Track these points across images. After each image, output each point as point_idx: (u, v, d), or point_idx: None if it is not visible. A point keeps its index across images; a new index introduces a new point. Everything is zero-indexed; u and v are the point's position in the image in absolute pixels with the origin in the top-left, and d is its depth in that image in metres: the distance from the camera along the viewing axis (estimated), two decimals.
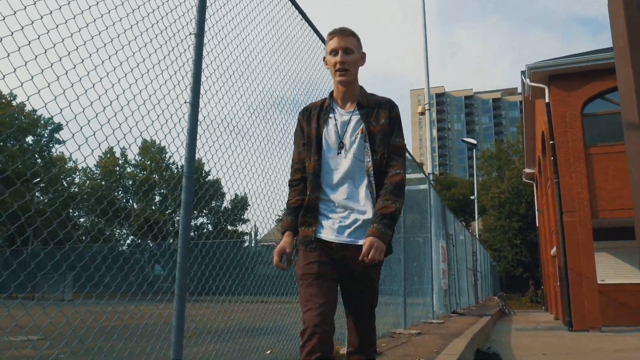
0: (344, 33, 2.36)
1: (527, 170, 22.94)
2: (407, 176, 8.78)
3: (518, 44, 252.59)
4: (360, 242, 2.18)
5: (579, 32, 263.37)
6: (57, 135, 41.76)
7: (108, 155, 48.23)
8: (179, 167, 45.67)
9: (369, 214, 2.22)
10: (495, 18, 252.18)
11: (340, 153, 2.29)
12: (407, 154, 7.77)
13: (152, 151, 49.11)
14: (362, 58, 2.43)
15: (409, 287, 8.07)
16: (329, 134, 2.33)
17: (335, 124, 2.34)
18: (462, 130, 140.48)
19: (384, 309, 7.05)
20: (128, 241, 49.06)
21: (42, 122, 39.97)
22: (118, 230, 48.55)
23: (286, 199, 2.47)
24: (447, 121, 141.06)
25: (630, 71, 2.67)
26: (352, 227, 2.22)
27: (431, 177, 13.05)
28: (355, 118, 2.33)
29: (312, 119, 2.40)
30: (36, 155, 40.09)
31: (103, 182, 47.93)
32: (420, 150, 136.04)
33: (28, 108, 37.96)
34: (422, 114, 13.74)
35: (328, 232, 2.24)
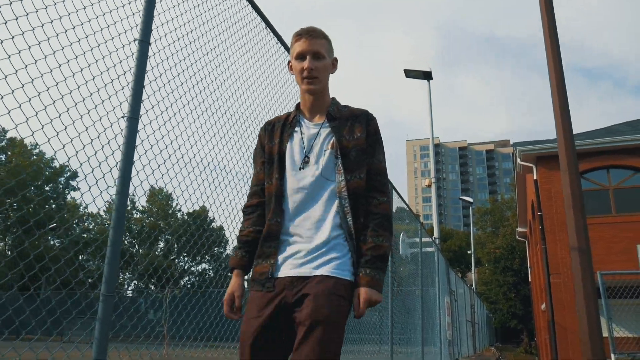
0: (312, 34, 2.02)
1: (520, 229, 25.04)
2: (416, 239, 10.86)
3: (514, 92, 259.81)
4: (318, 272, 1.80)
5: (576, 81, 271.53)
6: (72, 182, 43.84)
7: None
8: (184, 214, 47.56)
9: (337, 242, 1.87)
10: (492, 66, 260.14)
11: (302, 168, 1.94)
12: (405, 205, 9.52)
13: (159, 198, 50.84)
14: (333, 64, 2.11)
15: (425, 334, 9.98)
16: (294, 149, 2.00)
17: (302, 138, 2.01)
18: (457, 181, 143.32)
19: (404, 359, 8.86)
20: (131, 286, 50.28)
21: (56, 166, 41.97)
22: (121, 275, 49.79)
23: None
24: (442, 171, 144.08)
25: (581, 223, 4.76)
26: (311, 256, 1.85)
27: (437, 241, 15.06)
28: (325, 131, 2.00)
29: (274, 134, 2.07)
30: (52, 202, 41.92)
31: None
32: (416, 200, 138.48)
33: (46, 155, 40.15)
34: (429, 186, 15.85)
35: (286, 266, 1.86)
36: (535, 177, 14.64)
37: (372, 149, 2.01)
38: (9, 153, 37.65)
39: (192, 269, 52.86)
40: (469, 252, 40.54)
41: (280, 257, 1.90)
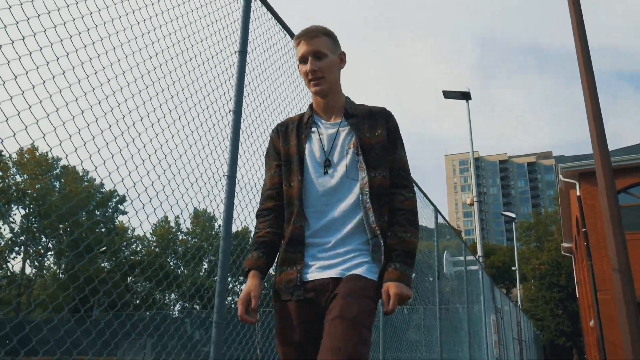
0: (310, 34, 1.96)
1: (565, 244, 24.72)
2: (460, 258, 11.11)
3: (557, 102, 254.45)
4: (349, 273, 1.78)
5: (622, 88, 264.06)
6: (120, 207, 45.59)
7: (163, 223, 51.40)
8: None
9: (360, 244, 1.84)
10: (532, 76, 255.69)
11: (327, 173, 1.89)
12: (442, 218, 9.70)
13: (202, 220, 52.05)
14: (341, 60, 2.03)
15: (472, 353, 10.20)
16: (314, 151, 1.94)
17: (320, 138, 1.95)
18: (498, 195, 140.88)
19: None
20: (177, 307, 51.43)
21: (105, 191, 43.72)
22: (166, 295, 50.98)
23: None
24: (482, 186, 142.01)
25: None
26: (339, 260, 1.81)
27: (481, 259, 15.21)
28: (345, 130, 1.95)
29: (289, 136, 2.01)
30: (101, 225, 43.66)
31: (157, 249, 50.99)
32: (456, 215, 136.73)
33: (96, 181, 41.98)
34: (471, 205, 16.04)
35: (314, 269, 1.82)
36: (578, 194, 14.67)
37: (393, 145, 1.97)
38: (63, 180, 39.54)
39: (235, 288, 53.80)
40: (513, 268, 39.93)
41: (308, 262, 1.84)
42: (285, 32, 3.66)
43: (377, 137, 1.94)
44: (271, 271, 2.02)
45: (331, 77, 1.97)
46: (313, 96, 2.04)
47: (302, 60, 1.97)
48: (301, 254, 1.86)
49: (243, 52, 3.07)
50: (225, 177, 2.93)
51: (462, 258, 11.59)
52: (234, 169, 2.93)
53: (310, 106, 2.07)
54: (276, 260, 1.94)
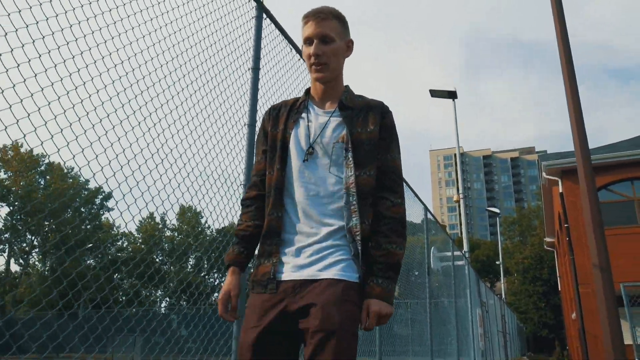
0: (320, 15, 1.83)
1: (548, 239, 25.30)
2: (447, 253, 11.49)
3: (541, 97, 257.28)
4: (324, 274, 1.66)
5: (608, 83, 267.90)
6: (106, 203, 45.40)
7: (149, 220, 51.25)
8: (213, 231, 48.61)
9: (339, 241, 1.72)
10: (517, 71, 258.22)
11: (306, 160, 1.79)
12: (430, 215, 10.05)
13: (188, 216, 51.97)
14: (347, 47, 1.92)
15: (460, 345, 10.55)
16: (299, 137, 1.83)
17: (308, 125, 1.84)
18: (482, 190, 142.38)
19: None
20: (164, 303, 51.42)
21: (91, 189, 43.53)
22: (152, 291, 50.93)
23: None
24: (467, 181, 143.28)
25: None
26: (315, 258, 1.70)
27: (467, 255, 15.60)
28: (336, 120, 1.83)
29: (279, 120, 1.91)
30: (87, 222, 43.47)
31: (143, 246, 50.84)
32: (441, 210, 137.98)
33: (81, 179, 41.72)
34: (457, 202, 16.43)
35: (289, 268, 1.72)
36: (561, 190, 15.11)
37: (386, 144, 1.83)
38: (48, 177, 39.29)
39: (222, 284, 53.76)
40: (497, 262, 40.67)
41: (283, 257, 1.75)
42: (295, 50, 3.85)
43: (369, 133, 1.81)
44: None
45: (335, 64, 1.85)
46: (312, 81, 1.92)
47: (308, 41, 1.84)
48: (276, 247, 1.76)
49: (256, 69, 3.29)
50: (242, 185, 3.14)
51: (448, 253, 11.93)
52: (249, 177, 3.05)
53: (307, 91, 1.96)
54: (256, 250, 1.86)
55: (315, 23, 1.82)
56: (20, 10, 2.04)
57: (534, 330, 40.46)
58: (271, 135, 1.90)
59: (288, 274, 1.71)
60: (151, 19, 2.72)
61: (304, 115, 1.88)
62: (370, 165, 1.78)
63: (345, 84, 1.95)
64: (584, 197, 5.80)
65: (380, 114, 1.86)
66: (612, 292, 5.05)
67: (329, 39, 1.82)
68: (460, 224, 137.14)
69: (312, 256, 1.71)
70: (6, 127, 1.99)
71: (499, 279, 46.93)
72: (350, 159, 1.76)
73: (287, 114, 1.91)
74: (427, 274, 7.79)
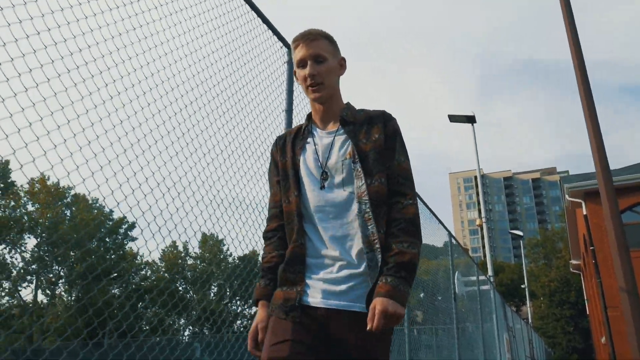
0: (310, 37, 1.87)
1: (574, 261, 24.96)
2: (471, 277, 11.49)
3: (559, 117, 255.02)
4: (357, 307, 1.65)
5: (625, 101, 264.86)
6: (130, 233, 46.06)
7: (171, 249, 51.70)
8: (235, 258, 48.84)
9: (364, 266, 1.70)
10: (534, 91, 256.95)
11: (324, 187, 1.79)
12: (453, 239, 10.06)
13: (209, 244, 52.32)
14: (340, 65, 1.95)
15: None
16: (308, 163, 1.85)
17: (315, 149, 1.86)
18: (504, 212, 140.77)
19: None
20: (187, 332, 51.47)
21: (115, 219, 44.23)
22: (176, 320, 51.06)
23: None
24: (488, 203, 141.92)
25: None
26: (345, 286, 1.68)
27: (492, 279, 15.53)
28: (340, 139, 1.85)
29: (286, 148, 1.94)
30: (111, 252, 44.10)
31: (166, 275, 51.20)
32: (462, 233, 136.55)
33: (106, 210, 42.48)
34: (480, 226, 16.43)
35: (315, 294, 1.70)
36: (584, 213, 15.04)
37: (391, 150, 1.83)
38: (74, 209, 40.10)
39: (245, 312, 53.79)
40: (522, 286, 40.05)
41: (310, 282, 1.72)
42: None
43: (374, 142, 1.81)
44: None
45: (331, 82, 1.87)
46: (311, 104, 1.95)
47: (301, 64, 1.88)
48: (301, 275, 1.74)
49: (289, 111, 3.54)
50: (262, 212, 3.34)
51: (473, 278, 11.94)
52: None
53: (308, 116, 1.99)
54: (278, 279, 1.82)
55: (306, 45, 1.85)
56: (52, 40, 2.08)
57: (562, 355, 39.47)
58: (281, 165, 1.92)
59: (316, 300, 1.69)
60: (184, 57, 2.86)
61: (309, 140, 1.90)
62: (380, 174, 1.78)
63: (345, 101, 1.99)
64: (608, 221, 5.90)
65: (382, 122, 1.87)
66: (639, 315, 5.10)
67: (322, 58, 1.85)
68: (484, 248, 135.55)
69: (343, 284, 1.68)
70: (34, 159, 2.03)
71: (525, 302, 46.14)
72: (359, 169, 1.77)
73: (292, 141, 1.94)
74: (454, 299, 7.86)
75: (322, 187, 1.79)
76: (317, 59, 1.85)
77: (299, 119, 3.71)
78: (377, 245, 1.69)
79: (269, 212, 1.96)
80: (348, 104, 1.96)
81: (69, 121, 2.15)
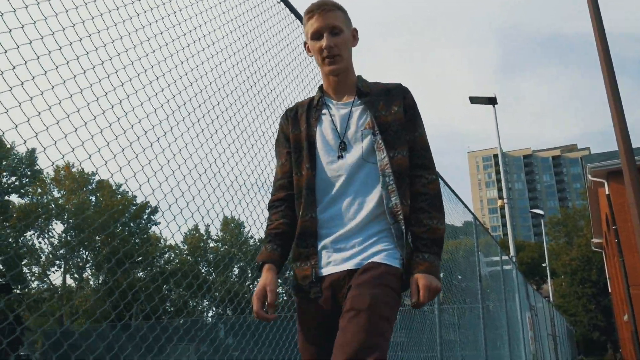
0: (325, 7, 1.82)
1: (595, 240, 24.94)
2: (494, 258, 11.74)
3: (582, 92, 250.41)
4: (367, 261, 1.65)
5: None
6: (153, 218, 46.97)
7: (194, 232, 52.54)
8: (256, 240, 49.53)
9: (381, 231, 1.71)
10: (555, 66, 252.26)
11: (342, 157, 1.76)
12: (475, 220, 10.27)
13: (231, 227, 53.02)
14: (353, 37, 1.92)
15: (512, 350, 10.76)
16: (325, 134, 1.81)
17: (332, 120, 1.82)
18: (524, 190, 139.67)
19: None
20: (210, 313, 52.51)
21: (138, 204, 45.10)
22: (197, 301, 52.08)
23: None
24: (507, 181, 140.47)
25: None
26: (358, 249, 1.69)
27: (514, 259, 15.70)
28: (358, 109, 1.82)
29: (299, 120, 1.89)
30: (135, 236, 45.08)
31: (189, 258, 52.15)
32: (482, 212, 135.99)
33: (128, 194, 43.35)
34: (502, 207, 16.55)
35: (332, 262, 1.70)
36: (607, 192, 15.07)
37: (412, 123, 1.83)
38: (98, 194, 40.98)
39: None
40: (543, 264, 40.09)
41: (323, 256, 1.73)
42: None
43: (394, 114, 1.80)
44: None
45: (346, 54, 1.85)
46: (323, 76, 1.92)
47: (316, 35, 1.84)
48: (314, 248, 1.74)
49: None
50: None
51: (495, 258, 12.15)
52: None
53: (320, 88, 1.96)
54: (291, 255, 1.82)
55: (322, 16, 1.82)
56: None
57: (584, 333, 39.69)
58: (293, 137, 1.88)
59: (331, 267, 1.70)
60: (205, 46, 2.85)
61: (324, 111, 1.87)
62: (402, 146, 1.78)
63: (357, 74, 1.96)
64: (632, 204, 6.05)
65: (401, 94, 1.86)
66: None
67: (338, 29, 1.82)
68: (506, 229, 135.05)
69: (353, 248, 1.70)
70: (64, 155, 2.02)
71: (545, 281, 46.14)
72: (381, 141, 1.76)
73: (306, 113, 1.90)
74: (479, 280, 8.11)
75: (340, 157, 1.77)
76: (333, 31, 1.82)
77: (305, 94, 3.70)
78: (401, 217, 1.71)
79: (275, 183, 1.93)
80: (360, 76, 1.94)
81: (88, 103, 2.15)
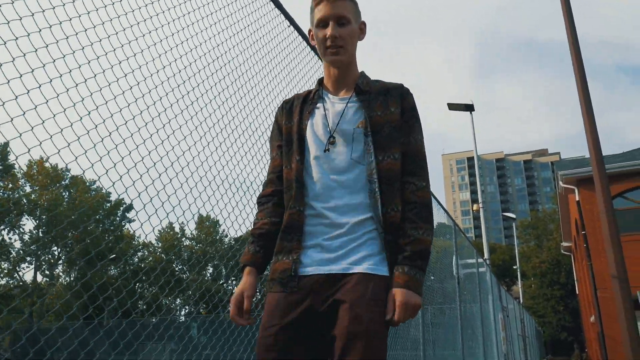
0: None
1: (565, 243, 25.73)
2: (469, 261, 12.15)
3: (555, 98, 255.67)
4: (356, 269, 1.56)
5: (619, 81, 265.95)
6: (127, 215, 46.41)
7: (168, 230, 52.11)
8: (231, 239, 49.40)
9: (368, 233, 1.63)
10: (528, 72, 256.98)
11: (328, 150, 1.70)
12: (455, 225, 10.65)
13: (206, 225, 52.74)
14: (361, 30, 1.84)
15: (486, 349, 11.15)
16: (316, 128, 1.75)
17: (325, 114, 1.76)
18: (495, 193, 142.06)
19: None
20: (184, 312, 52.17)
21: (112, 201, 44.51)
22: (171, 300, 51.69)
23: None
24: (482, 184, 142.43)
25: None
26: (344, 251, 1.60)
27: (487, 261, 16.17)
28: (353, 106, 1.74)
29: (293, 112, 1.83)
30: (109, 233, 44.49)
31: (163, 256, 51.67)
32: (455, 214, 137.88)
33: (100, 191, 42.82)
34: (477, 211, 17.01)
35: (314, 262, 1.62)
36: (577, 199, 15.66)
37: (408, 126, 1.74)
38: (72, 191, 40.38)
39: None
40: (514, 267, 41.09)
41: (305, 252, 1.65)
42: None
43: (389, 115, 1.73)
44: None
45: (351, 47, 1.78)
46: (325, 68, 1.84)
47: (322, 24, 1.76)
48: (298, 242, 1.66)
49: None
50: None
51: (471, 261, 12.52)
52: None
53: (319, 81, 1.89)
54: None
55: (330, 4, 1.74)
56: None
57: (552, 333, 40.83)
58: (286, 129, 1.83)
59: (314, 268, 1.62)
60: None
61: (319, 104, 1.80)
62: (394, 149, 1.70)
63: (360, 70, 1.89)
64: (602, 213, 6.42)
65: (400, 95, 1.78)
66: (629, 299, 5.68)
67: (346, 20, 1.75)
68: (478, 231, 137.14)
69: (341, 249, 1.61)
70: (30, 148, 1.93)
71: (515, 282, 47.25)
72: (370, 144, 1.69)
73: (300, 106, 1.84)
74: (457, 283, 8.43)
75: (327, 151, 1.71)
76: (340, 21, 1.74)
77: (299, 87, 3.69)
78: (389, 224, 1.64)
79: (267, 177, 1.88)
80: (363, 72, 1.87)
81: (58, 95, 2.04)
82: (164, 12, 2.67)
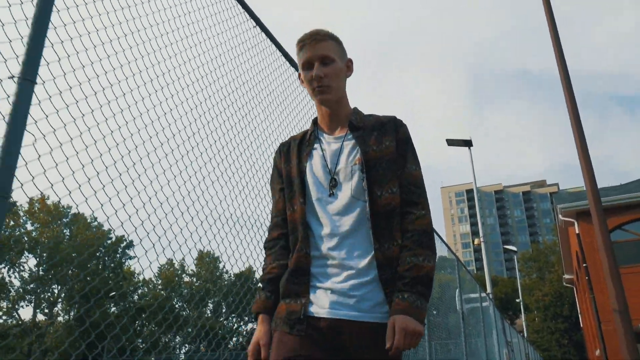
0: (316, 38, 1.79)
1: (567, 276, 25.72)
2: (472, 295, 12.24)
3: (550, 128, 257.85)
4: (367, 317, 1.58)
5: (614, 112, 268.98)
6: (128, 252, 46.29)
7: (168, 267, 51.89)
8: (231, 276, 49.20)
9: (376, 276, 1.62)
10: (523, 102, 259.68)
11: (332, 194, 1.70)
12: (453, 256, 10.69)
13: (206, 261, 52.53)
14: (347, 67, 1.88)
15: None
16: (315, 169, 1.76)
17: (323, 155, 1.77)
18: (495, 224, 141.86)
19: None
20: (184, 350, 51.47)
21: (114, 237, 44.45)
22: (170, 337, 51.06)
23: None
24: (482, 217, 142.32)
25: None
26: (354, 295, 1.59)
27: (491, 296, 16.22)
28: (349, 144, 1.76)
29: (291, 155, 1.86)
30: (109, 271, 44.28)
31: (163, 292, 51.27)
32: (455, 246, 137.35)
33: (103, 227, 42.82)
34: (479, 244, 17.14)
35: (321, 304, 1.61)
36: (577, 232, 15.82)
37: (403, 158, 1.75)
38: (72, 228, 40.42)
39: (240, 329, 53.81)
40: (517, 300, 40.85)
41: (314, 296, 1.64)
42: None
43: (385, 149, 1.74)
44: None
45: (338, 85, 1.80)
46: (317, 108, 1.87)
47: (307, 66, 1.80)
48: (306, 286, 1.66)
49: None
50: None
51: (473, 295, 12.59)
52: None
53: (314, 121, 1.91)
54: (281, 291, 1.73)
55: (313, 46, 1.78)
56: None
57: None
58: (286, 172, 1.84)
59: (324, 310, 1.60)
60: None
61: (316, 145, 1.82)
62: (392, 182, 1.70)
63: (352, 106, 1.92)
64: (600, 247, 6.61)
65: (394, 128, 1.80)
66: (631, 332, 5.82)
67: (329, 59, 1.78)
68: (479, 264, 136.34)
69: (352, 292, 1.60)
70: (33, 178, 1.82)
71: (518, 315, 46.90)
72: (365, 180, 1.70)
73: (297, 147, 1.86)
74: (462, 318, 8.53)
75: (331, 195, 1.71)
76: (324, 61, 1.78)
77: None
78: (391, 258, 1.65)
79: (271, 221, 1.89)
80: (355, 108, 1.89)
81: (54, 129, 1.95)
82: (160, 49, 2.69)
